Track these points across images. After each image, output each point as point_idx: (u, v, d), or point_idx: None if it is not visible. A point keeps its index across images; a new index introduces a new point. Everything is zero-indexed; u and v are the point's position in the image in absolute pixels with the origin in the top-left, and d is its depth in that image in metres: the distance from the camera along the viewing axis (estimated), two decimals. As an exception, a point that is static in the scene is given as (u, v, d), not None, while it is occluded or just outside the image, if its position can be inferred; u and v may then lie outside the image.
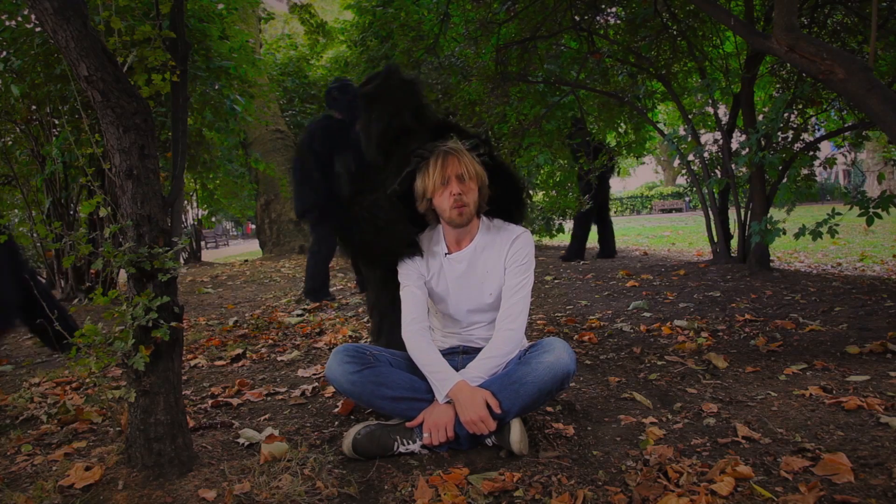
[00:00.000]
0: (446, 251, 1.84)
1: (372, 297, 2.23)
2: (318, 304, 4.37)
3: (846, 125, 4.55)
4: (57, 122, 4.80)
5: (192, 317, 4.30)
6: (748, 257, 4.59)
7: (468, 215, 1.76)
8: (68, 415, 2.06)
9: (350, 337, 3.21)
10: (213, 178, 7.61)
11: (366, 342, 2.86)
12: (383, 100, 1.87)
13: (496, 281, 1.81)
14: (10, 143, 5.15)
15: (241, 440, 1.76)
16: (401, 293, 1.85)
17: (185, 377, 2.57)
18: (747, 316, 3.15)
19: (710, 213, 5.08)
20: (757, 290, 3.82)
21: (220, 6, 5.48)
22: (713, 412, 1.81)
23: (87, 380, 2.60)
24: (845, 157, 4.75)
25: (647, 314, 3.46)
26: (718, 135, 4.97)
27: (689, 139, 5.06)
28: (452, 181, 1.73)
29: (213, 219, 9.59)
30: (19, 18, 4.14)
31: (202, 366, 2.82)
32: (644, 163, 27.07)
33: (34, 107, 4.66)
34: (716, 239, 5.16)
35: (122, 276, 1.74)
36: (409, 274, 1.84)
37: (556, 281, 5.21)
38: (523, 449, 1.59)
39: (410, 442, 1.65)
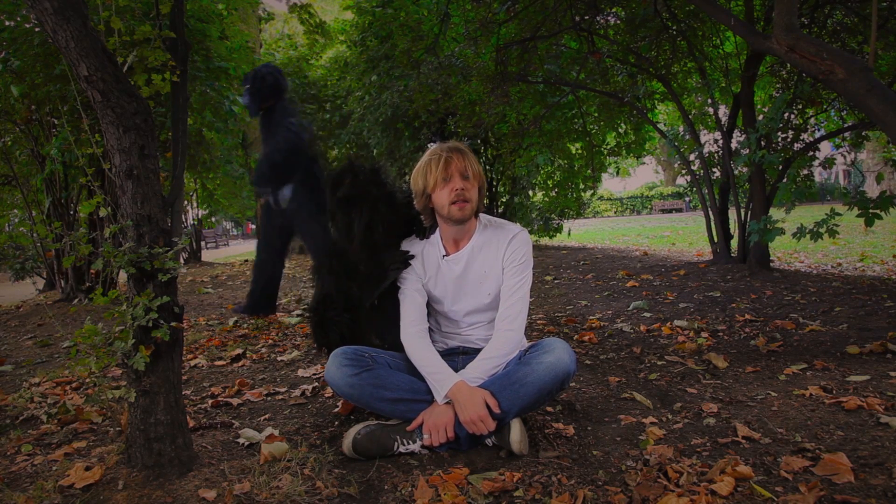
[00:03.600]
0: (444, 253, 1.84)
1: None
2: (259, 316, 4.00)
3: (846, 125, 4.55)
4: (57, 122, 4.79)
5: (192, 317, 4.30)
6: (748, 257, 4.59)
7: (469, 211, 1.76)
8: (68, 415, 2.06)
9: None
10: (212, 178, 7.61)
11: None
12: (360, 198, 1.86)
13: (494, 281, 1.81)
14: (10, 143, 5.14)
15: (241, 440, 1.76)
16: (399, 296, 1.85)
17: (185, 377, 2.57)
18: (747, 316, 3.16)
19: (710, 213, 5.08)
20: (757, 290, 3.82)
21: (220, 6, 5.48)
22: (713, 412, 1.81)
23: (87, 380, 2.60)
24: (845, 157, 4.75)
25: (647, 314, 3.46)
26: (718, 135, 4.98)
27: (688, 138, 5.07)
28: (456, 177, 1.73)
29: (213, 219, 9.58)
30: (18, 18, 4.14)
31: (202, 366, 2.82)
32: (644, 163, 27.08)
33: (34, 107, 4.66)
34: (716, 239, 5.17)
35: (122, 276, 1.74)
36: (407, 277, 1.84)
37: (556, 281, 5.21)
38: (523, 449, 1.59)
39: (410, 442, 1.64)
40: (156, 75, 1.62)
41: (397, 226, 1.93)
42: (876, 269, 4.77)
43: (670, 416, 1.82)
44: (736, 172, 4.75)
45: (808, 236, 3.61)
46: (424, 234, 1.92)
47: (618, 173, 10.73)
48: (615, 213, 32.10)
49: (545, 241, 10.15)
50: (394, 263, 1.87)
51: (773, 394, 1.94)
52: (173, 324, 1.49)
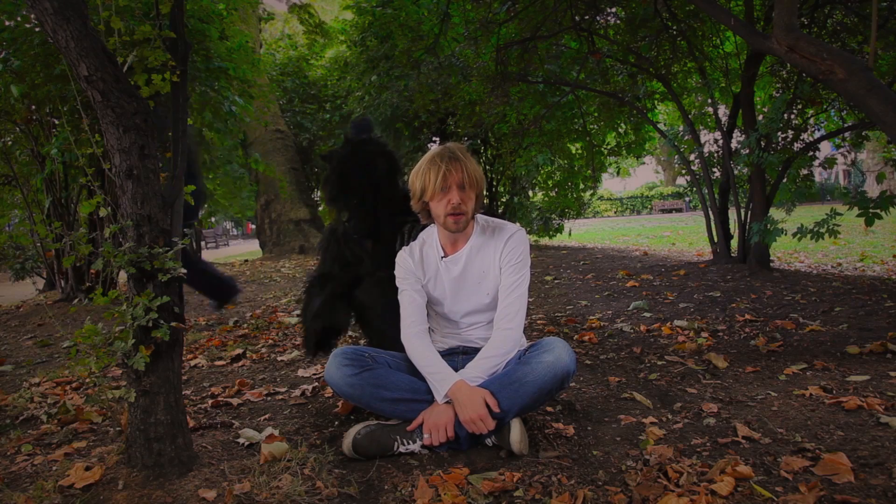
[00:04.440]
0: (442, 254, 1.84)
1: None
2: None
3: (846, 125, 4.55)
4: (57, 122, 4.79)
5: (192, 317, 4.30)
6: (748, 257, 4.59)
7: (464, 223, 1.75)
8: (68, 415, 2.06)
9: (350, 337, 3.20)
10: (212, 178, 7.61)
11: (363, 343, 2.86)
12: (333, 157, 2.14)
13: (493, 281, 1.81)
14: (10, 143, 5.14)
15: (241, 440, 1.76)
16: (399, 297, 1.85)
17: (185, 377, 2.57)
18: (747, 316, 3.15)
19: (710, 213, 5.08)
20: (757, 290, 3.82)
21: (220, 6, 5.47)
22: (713, 412, 1.81)
23: (87, 380, 2.60)
24: (845, 157, 4.75)
25: (647, 314, 3.46)
26: (718, 135, 4.98)
27: (688, 138, 5.06)
28: (453, 190, 1.71)
29: (213, 219, 9.58)
30: (18, 18, 4.13)
31: (202, 366, 2.82)
32: (644, 163, 27.06)
33: (34, 107, 4.65)
34: (716, 239, 5.17)
35: (123, 276, 1.74)
36: (406, 278, 1.84)
37: (556, 281, 5.21)
38: (523, 449, 1.59)
39: (410, 442, 1.64)
40: (156, 75, 1.62)
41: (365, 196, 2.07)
42: (876, 269, 4.77)
43: (670, 416, 1.82)
44: (736, 172, 4.75)
45: (808, 236, 3.61)
46: (413, 229, 2.00)
47: (618, 173, 10.73)
48: (615, 213, 32.10)
49: (545, 241, 10.15)
50: (358, 259, 2.11)
51: (773, 394, 1.94)
52: (173, 324, 1.49)
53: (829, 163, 4.35)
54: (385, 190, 2.10)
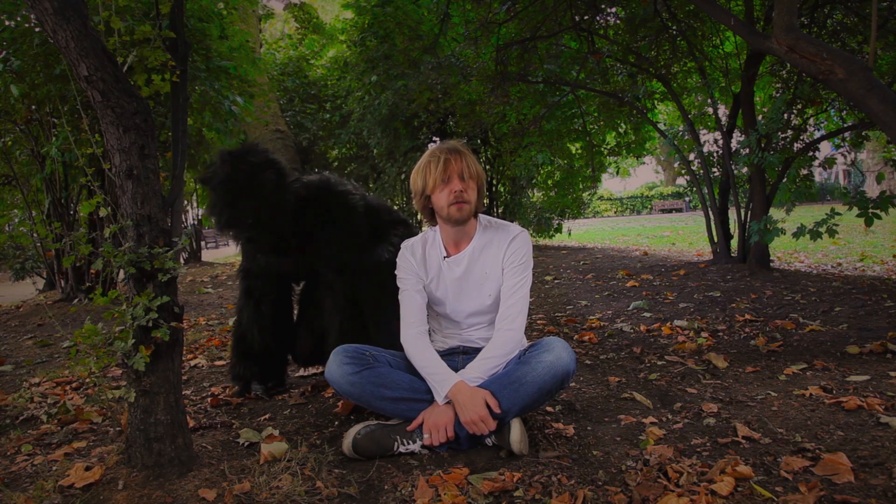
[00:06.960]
0: (445, 254, 1.84)
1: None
2: None
3: (846, 125, 4.55)
4: (57, 122, 4.79)
5: (192, 317, 4.30)
6: (748, 257, 4.59)
7: (468, 212, 1.76)
8: (68, 415, 2.06)
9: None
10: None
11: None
12: (213, 179, 1.89)
13: (495, 282, 1.81)
14: (10, 143, 5.14)
15: (241, 440, 1.76)
16: (399, 297, 1.85)
17: (185, 377, 2.57)
18: (747, 316, 3.15)
19: (710, 213, 5.08)
20: (757, 290, 3.82)
21: (220, 5, 5.47)
22: (713, 412, 1.81)
23: (87, 380, 2.60)
24: (845, 157, 4.75)
25: (647, 314, 3.46)
26: (718, 135, 4.98)
27: (688, 138, 5.07)
28: (454, 178, 1.73)
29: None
30: (18, 18, 4.14)
31: (202, 366, 2.81)
32: (644, 163, 27.07)
33: (34, 107, 4.66)
34: (716, 239, 5.17)
35: (123, 276, 1.74)
36: (408, 278, 1.84)
37: (556, 281, 5.21)
38: (523, 449, 1.59)
39: (410, 442, 1.64)
40: (156, 75, 1.62)
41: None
42: (876, 269, 4.77)
43: (670, 416, 1.82)
44: (736, 172, 4.75)
45: (807, 235, 3.61)
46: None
47: (618, 173, 10.73)
48: (615, 213, 32.11)
49: (545, 241, 10.15)
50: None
51: (773, 394, 1.94)
52: (173, 324, 1.49)
53: (829, 163, 4.35)
54: (280, 202, 1.94)
